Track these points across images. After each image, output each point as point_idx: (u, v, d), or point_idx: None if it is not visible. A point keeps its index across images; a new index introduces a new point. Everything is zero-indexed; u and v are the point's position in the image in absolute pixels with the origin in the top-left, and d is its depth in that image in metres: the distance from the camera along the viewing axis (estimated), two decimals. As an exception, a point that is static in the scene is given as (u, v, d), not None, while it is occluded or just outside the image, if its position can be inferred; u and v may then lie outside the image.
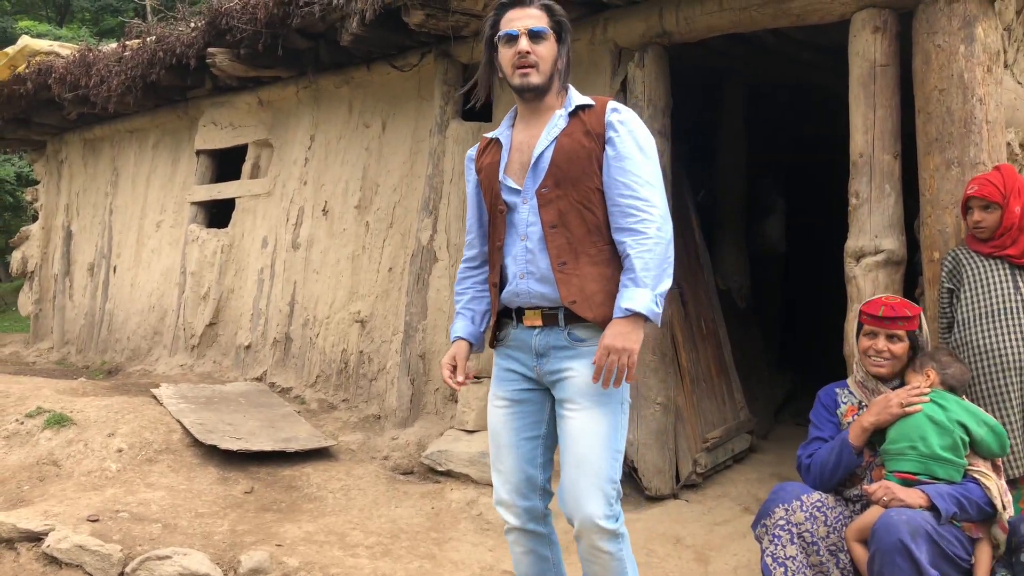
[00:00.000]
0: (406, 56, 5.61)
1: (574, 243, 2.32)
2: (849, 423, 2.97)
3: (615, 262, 2.33)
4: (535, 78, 2.33)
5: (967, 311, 3.24)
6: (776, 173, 7.34)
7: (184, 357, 6.89)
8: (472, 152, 2.60)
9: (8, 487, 4.17)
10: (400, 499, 4.28)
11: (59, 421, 4.71)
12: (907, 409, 2.75)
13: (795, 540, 2.79)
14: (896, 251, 3.62)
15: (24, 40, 7.77)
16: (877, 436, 2.83)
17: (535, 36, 2.33)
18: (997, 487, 2.71)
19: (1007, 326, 3.14)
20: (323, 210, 6.15)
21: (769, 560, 2.80)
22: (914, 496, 2.62)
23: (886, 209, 3.66)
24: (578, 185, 2.33)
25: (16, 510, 3.72)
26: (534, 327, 2.39)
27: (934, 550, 2.54)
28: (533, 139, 2.39)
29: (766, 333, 6.87)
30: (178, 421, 4.87)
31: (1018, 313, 3.13)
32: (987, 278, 3.21)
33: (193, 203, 7.27)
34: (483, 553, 3.66)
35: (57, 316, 8.81)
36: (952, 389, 2.84)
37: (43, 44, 7.91)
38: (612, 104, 2.39)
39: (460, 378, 2.50)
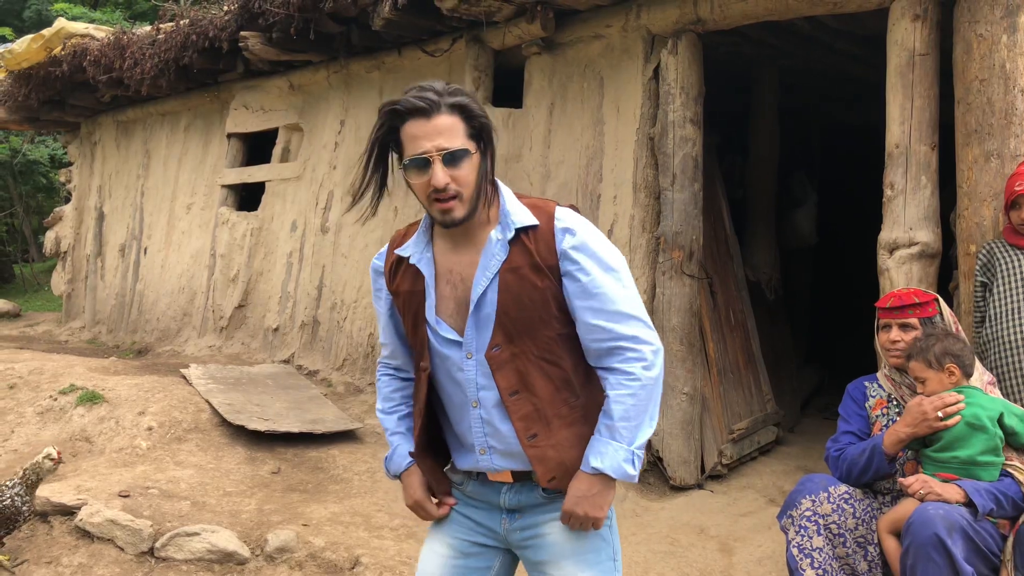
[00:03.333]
0: (437, 41, 5.60)
1: (542, 408, 1.84)
2: (878, 416, 2.94)
3: (592, 414, 1.86)
4: (459, 211, 1.78)
5: (999, 305, 3.19)
6: (808, 165, 7.26)
7: (213, 338, 6.97)
8: (378, 263, 2.00)
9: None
10: (425, 483, 4.30)
11: (91, 399, 4.79)
12: (946, 423, 2.66)
13: (822, 532, 2.77)
14: (931, 244, 3.57)
15: (60, 22, 7.86)
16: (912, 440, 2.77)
17: (452, 160, 1.75)
18: (1031, 481, 2.67)
19: None
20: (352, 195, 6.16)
21: (795, 551, 2.78)
22: (951, 491, 2.58)
23: (921, 201, 3.61)
24: (536, 336, 1.83)
25: (49, 484, 3.78)
26: (502, 483, 1.92)
27: (969, 546, 2.51)
28: (467, 269, 1.85)
29: (795, 326, 6.82)
30: (207, 401, 4.93)
31: None
32: (1021, 272, 3.16)
33: (223, 186, 7.33)
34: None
35: (89, 296, 8.94)
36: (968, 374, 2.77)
37: (79, 27, 7.99)
38: (560, 220, 1.82)
39: (444, 510, 1.97)
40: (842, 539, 2.77)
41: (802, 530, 2.79)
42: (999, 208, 3.34)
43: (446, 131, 1.75)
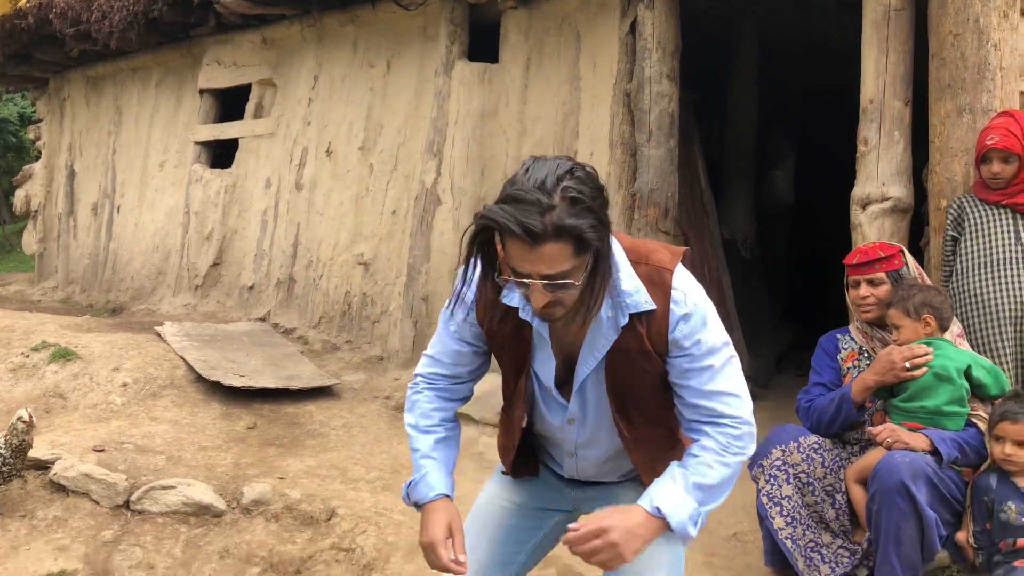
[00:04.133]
0: (412, -6, 5.52)
1: (643, 459, 1.83)
2: (849, 368, 2.98)
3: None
4: (559, 313, 1.62)
5: (967, 259, 3.23)
6: (786, 125, 7.27)
7: (188, 297, 6.92)
8: (468, 292, 1.79)
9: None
10: (402, 437, 4.33)
11: (64, 355, 4.75)
12: (913, 373, 2.71)
13: (791, 480, 2.83)
14: (903, 199, 3.60)
15: (25, -27, 7.65)
16: (880, 389, 2.81)
17: (555, 286, 1.54)
18: (993, 433, 2.73)
19: (1005, 275, 3.12)
20: (327, 151, 6.11)
21: (765, 499, 2.84)
22: (918, 440, 2.63)
23: (895, 156, 3.62)
24: (641, 408, 1.79)
25: (22, 439, 3.76)
26: None
27: (933, 492, 2.57)
28: (574, 337, 1.74)
29: (771, 284, 6.87)
30: (182, 358, 4.91)
31: (1017, 263, 3.11)
32: (989, 226, 3.19)
33: (196, 143, 7.23)
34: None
35: (61, 255, 8.82)
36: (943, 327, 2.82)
37: (44, -22, 7.77)
38: (675, 304, 1.68)
39: (462, 557, 1.78)
40: (811, 487, 2.83)
41: (772, 479, 2.85)
42: (970, 163, 3.36)
43: (552, 259, 1.51)
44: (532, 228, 1.46)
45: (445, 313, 1.87)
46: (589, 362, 1.73)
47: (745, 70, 6.29)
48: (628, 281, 1.66)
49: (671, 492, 1.66)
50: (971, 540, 2.67)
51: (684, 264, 1.74)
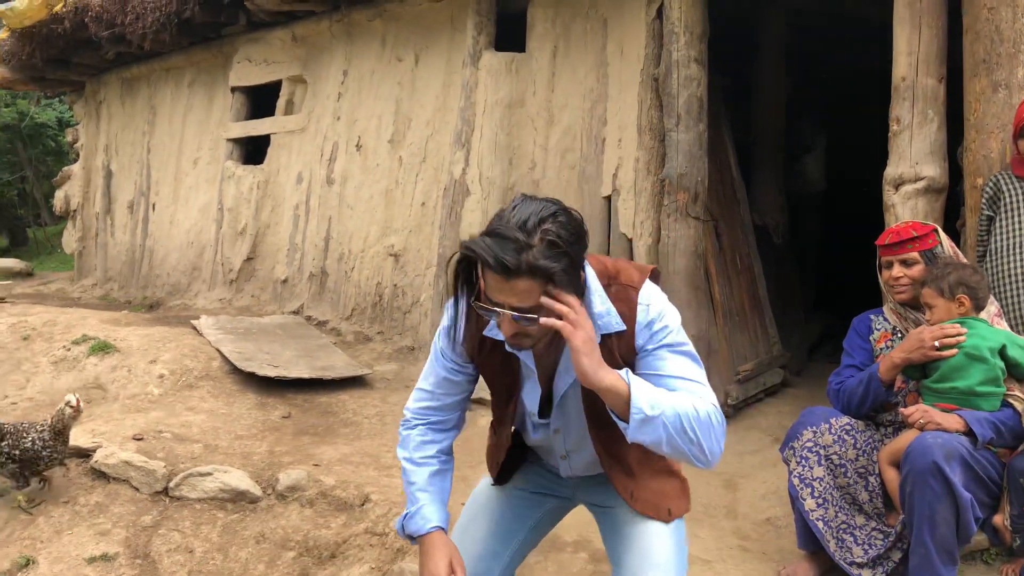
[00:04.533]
0: (439, -14, 5.54)
1: (632, 468, 1.91)
2: (882, 349, 2.94)
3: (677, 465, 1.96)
4: (527, 344, 1.74)
5: (1001, 239, 3.17)
6: (817, 110, 7.17)
7: (223, 291, 7.02)
8: (456, 336, 1.92)
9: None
10: (433, 425, 4.36)
11: (103, 348, 4.85)
12: (942, 353, 2.66)
13: (822, 462, 2.79)
14: (937, 179, 3.53)
15: (60, -22, 7.79)
16: (910, 368, 2.76)
17: (523, 319, 1.64)
18: (1032, 412, 2.68)
19: None
20: (356, 145, 6.16)
21: (796, 481, 2.81)
22: (951, 421, 2.58)
23: (928, 135, 3.57)
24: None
25: (64, 429, 3.85)
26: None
27: (968, 473, 2.52)
28: (551, 359, 1.86)
29: (803, 272, 6.80)
30: (217, 350, 4.99)
31: None
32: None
33: (229, 140, 7.32)
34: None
35: (99, 253, 9.00)
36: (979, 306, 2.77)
37: (79, -19, 7.91)
38: (640, 314, 1.77)
39: None
40: (843, 469, 2.79)
41: (803, 460, 2.82)
42: (1007, 140, 3.30)
43: (522, 293, 1.61)
44: (507, 263, 1.57)
45: (435, 345, 1.98)
46: (566, 379, 1.84)
47: (774, 53, 6.22)
48: (600, 304, 1.76)
49: (645, 385, 1.67)
50: (1007, 523, 2.62)
51: (652, 279, 1.84)
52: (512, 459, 2.07)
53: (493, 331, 1.83)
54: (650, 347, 1.77)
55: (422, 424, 2.01)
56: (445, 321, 1.93)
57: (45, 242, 15.47)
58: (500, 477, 2.09)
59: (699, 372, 1.78)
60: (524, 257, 1.57)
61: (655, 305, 1.79)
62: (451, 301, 1.87)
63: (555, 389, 1.88)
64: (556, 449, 1.98)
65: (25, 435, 3.32)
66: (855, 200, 7.51)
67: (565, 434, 1.93)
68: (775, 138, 6.30)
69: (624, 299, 1.78)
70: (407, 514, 1.94)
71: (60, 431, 3.37)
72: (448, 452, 2.03)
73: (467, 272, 1.74)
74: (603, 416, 1.75)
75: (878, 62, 4.79)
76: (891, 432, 2.88)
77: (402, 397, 4.75)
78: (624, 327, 1.76)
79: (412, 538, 1.92)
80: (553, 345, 1.82)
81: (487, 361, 1.91)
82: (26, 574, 3.02)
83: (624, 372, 1.67)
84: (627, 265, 1.86)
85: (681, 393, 1.70)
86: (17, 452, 3.30)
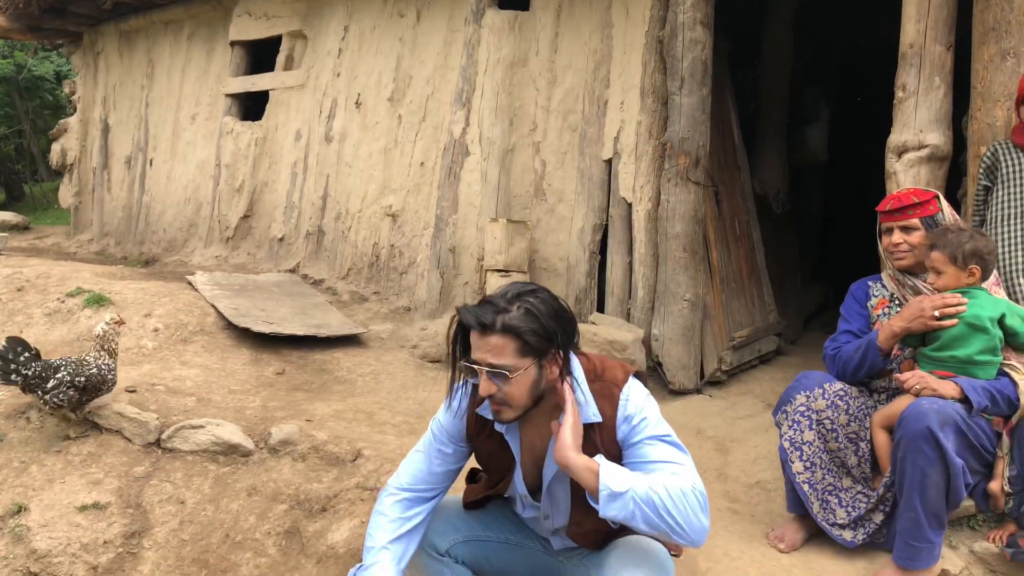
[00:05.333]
0: (442, -58, 5.44)
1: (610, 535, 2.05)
2: (880, 316, 2.93)
3: None
4: (508, 414, 1.91)
5: (998, 209, 3.15)
6: (823, 81, 7.10)
7: (219, 249, 6.99)
8: (456, 416, 2.09)
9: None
10: (427, 384, 4.37)
11: (98, 301, 4.83)
12: (942, 323, 2.64)
13: (814, 426, 2.79)
14: (941, 147, 3.50)
15: (58, -75, 7.66)
16: (909, 336, 2.75)
17: (496, 376, 1.85)
18: (1026, 382, 2.67)
19: None
20: (356, 103, 6.09)
21: (787, 444, 2.82)
22: (947, 387, 2.57)
23: (933, 102, 3.52)
24: None
25: (57, 379, 3.84)
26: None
27: (961, 440, 2.52)
28: (541, 447, 2.02)
29: (803, 242, 6.78)
30: (212, 306, 4.97)
31: None
32: (1022, 175, 3.10)
33: (227, 95, 7.24)
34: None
35: (96, 208, 8.95)
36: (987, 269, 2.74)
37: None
38: (621, 409, 1.94)
39: None
40: (834, 434, 2.79)
41: (795, 424, 2.82)
42: (1012, 109, 3.26)
43: (495, 349, 1.84)
44: (483, 320, 1.84)
45: (434, 422, 2.14)
46: (552, 468, 1.99)
47: (782, 21, 6.13)
48: (581, 396, 1.94)
49: (617, 469, 1.81)
50: (1006, 485, 2.63)
51: (637, 378, 2.01)
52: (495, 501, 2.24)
53: (485, 409, 2.01)
54: (633, 439, 1.92)
55: (400, 501, 2.11)
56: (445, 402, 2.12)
57: (42, 198, 15.37)
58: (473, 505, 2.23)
59: (682, 456, 1.88)
60: (499, 318, 1.84)
61: (634, 400, 1.95)
62: (450, 384, 2.04)
63: (544, 474, 2.03)
64: (546, 527, 2.12)
65: (86, 364, 3.36)
66: (857, 173, 7.47)
67: (553, 519, 2.08)
68: (779, 107, 6.24)
69: (607, 395, 1.95)
70: (361, 566, 2.04)
71: (113, 351, 3.43)
72: (422, 522, 2.12)
73: (462, 336, 1.93)
74: (585, 502, 1.88)
75: (886, 34, 4.73)
76: (884, 398, 2.88)
77: (396, 357, 4.75)
78: (600, 419, 1.93)
79: None
80: (542, 431, 1.99)
81: (484, 444, 2.08)
82: (18, 520, 3.03)
83: (598, 457, 1.83)
84: (613, 364, 2.03)
85: (658, 473, 1.82)
86: (83, 379, 3.34)
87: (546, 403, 1.96)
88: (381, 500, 2.13)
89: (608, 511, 1.75)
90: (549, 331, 1.86)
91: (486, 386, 1.87)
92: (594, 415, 1.93)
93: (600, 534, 2.03)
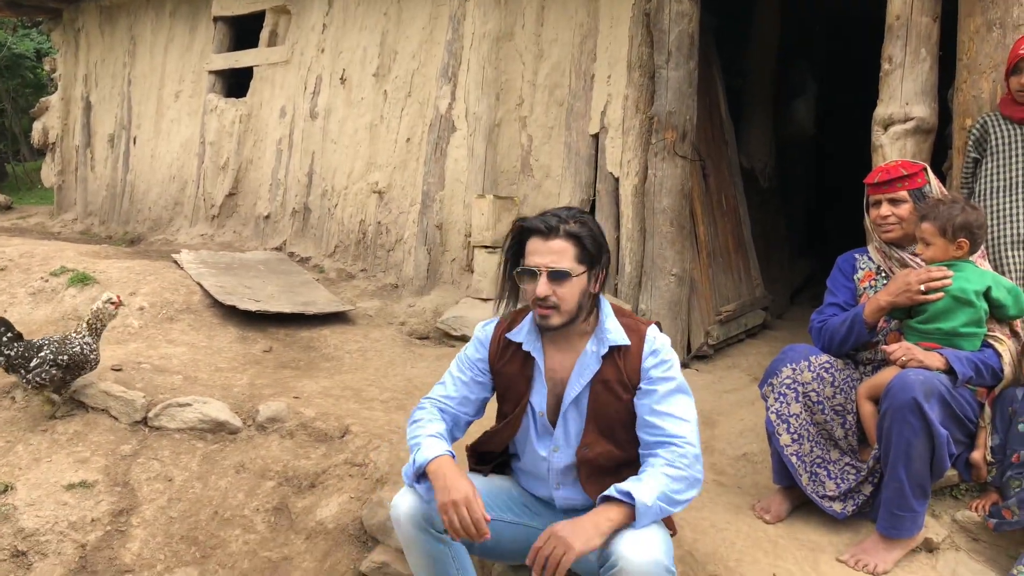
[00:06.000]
0: (426, -86, 5.37)
1: (609, 482, 2.07)
2: (866, 288, 2.94)
3: None
4: (555, 320, 2.09)
5: (986, 182, 3.15)
6: (810, 55, 7.07)
7: (205, 227, 6.94)
8: (484, 336, 2.29)
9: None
10: (415, 360, 4.36)
11: (82, 280, 4.80)
12: (928, 297, 2.64)
13: (800, 399, 2.80)
14: (927, 119, 3.50)
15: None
16: (896, 308, 2.76)
17: (556, 277, 2.05)
18: (1010, 353, 2.69)
19: (1022, 198, 3.06)
20: (341, 79, 6.03)
21: (773, 417, 2.82)
22: (933, 359, 2.58)
23: (920, 75, 3.51)
24: (616, 438, 2.16)
25: (42, 358, 3.82)
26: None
27: (946, 411, 2.54)
28: (565, 372, 2.18)
29: (790, 216, 6.79)
30: (198, 284, 4.94)
31: None
32: (1011, 148, 3.11)
33: (211, 72, 7.16)
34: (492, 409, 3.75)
35: (80, 187, 8.86)
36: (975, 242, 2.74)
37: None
38: (649, 343, 2.13)
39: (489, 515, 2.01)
40: (820, 406, 2.80)
41: (781, 397, 2.83)
42: (998, 80, 3.26)
43: (558, 252, 2.06)
44: (550, 224, 2.07)
45: (459, 355, 2.32)
46: (575, 387, 2.14)
47: (769, -6, 6.10)
48: (610, 322, 2.15)
49: (632, 483, 1.96)
50: (988, 455, 2.65)
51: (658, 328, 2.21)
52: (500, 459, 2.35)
53: (517, 334, 2.21)
54: (654, 374, 2.10)
55: (439, 408, 2.25)
56: (475, 335, 2.32)
57: (25, 177, 15.19)
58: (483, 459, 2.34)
59: (690, 409, 2.10)
60: (562, 225, 2.07)
61: (660, 339, 2.16)
62: (495, 305, 2.23)
63: (565, 397, 2.17)
64: (551, 476, 2.22)
65: (69, 342, 3.37)
66: (844, 147, 7.47)
67: (562, 453, 2.18)
68: (766, 82, 6.22)
69: (635, 329, 2.16)
70: (413, 457, 2.10)
71: (99, 330, 3.44)
72: (451, 435, 2.24)
73: (516, 245, 2.13)
74: (602, 429, 2.13)
75: (874, 8, 4.70)
76: (870, 370, 2.89)
77: (384, 334, 4.74)
78: (629, 342, 2.12)
79: (420, 475, 2.07)
80: (564, 357, 2.18)
81: (506, 368, 2.23)
82: (4, 500, 3.02)
83: (615, 491, 1.94)
84: (638, 317, 2.25)
85: (657, 470, 1.99)
86: (65, 358, 3.34)
87: (576, 326, 2.14)
88: (414, 412, 2.25)
89: (643, 521, 1.92)
90: (601, 245, 2.11)
91: (544, 288, 2.04)
92: (623, 338, 2.12)
93: (606, 460, 2.15)
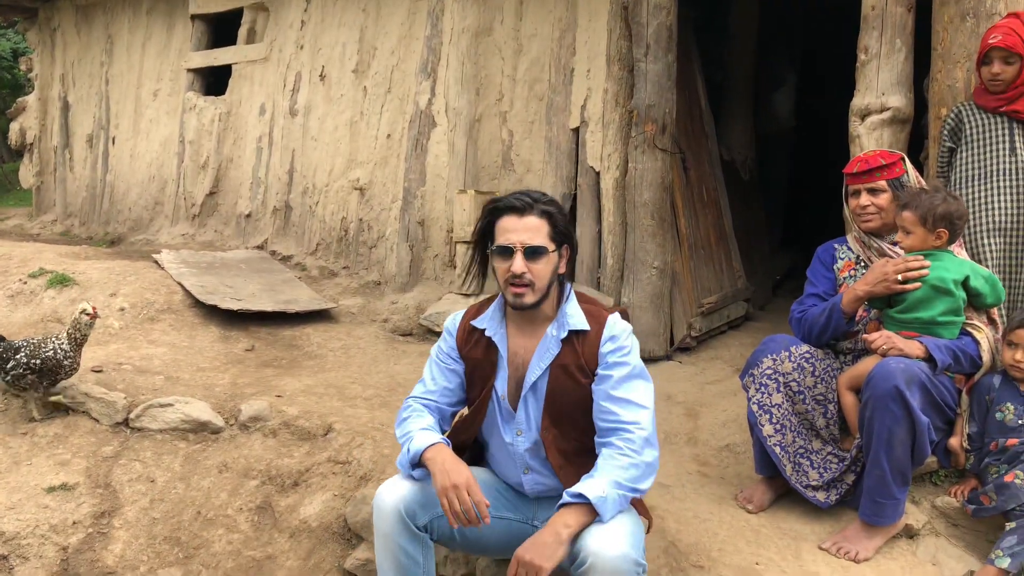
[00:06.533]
0: (403, -91, 5.35)
1: (579, 470, 2.13)
2: (846, 278, 2.96)
3: None
4: (529, 298, 2.13)
5: (962, 170, 3.18)
6: (789, 47, 7.10)
7: (185, 227, 6.89)
8: (452, 325, 2.34)
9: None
10: (398, 357, 4.36)
11: (62, 281, 4.75)
12: (906, 287, 2.66)
13: (781, 389, 2.82)
14: (903, 109, 3.52)
15: None
16: (874, 299, 2.78)
17: (532, 254, 2.11)
18: (988, 341, 2.72)
19: (997, 187, 3.09)
20: (320, 75, 6.00)
21: (755, 408, 2.84)
22: (913, 347, 2.60)
23: (895, 65, 3.54)
24: (575, 422, 2.19)
25: (21, 361, 3.79)
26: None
27: (926, 398, 2.56)
28: (526, 355, 2.22)
29: (771, 208, 6.81)
30: (179, 284, 4.91)
31: (1010, 174, 3.07)
32: (985, 137, 3.14)
33: (189, 70, 7.11)
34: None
35: (59, 188, 8.77)
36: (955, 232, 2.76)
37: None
38: (609, 329, 2.17)
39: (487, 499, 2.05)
40: (801, 396, 2.82)
41: (762, 388, 2.84)
42: (972, 69, 3.29)
43: (533, 229, 2.12)
44: (524, 201, 2.14)
45: (433, 350, 2.36)
46: (535, 371, 2.18)
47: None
48: (571, 307, 2.21)
49: (584, 482, 1.99)
50: (965, 443, 2.68)
51: (623, 317, 2.25)
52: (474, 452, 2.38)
53: (481, 321, 2.26)
54: (610, 359, 2.14)
55: (424, 405, 2.28)
56: (444, 326, 2.38)
57: (3, 179, 15.04)
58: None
59: (647, 395, 2.13)
60: (536, 204, 2.14)
61: (620, 325, 2.20)
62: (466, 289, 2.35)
63: (525, 380, 2.20)
64: (518, 459, 2.24)
65: (44, 346, 3.35)
66: (824, 139, 7.50)
67: (525, 436, 2.21)
68: (746, 74, 6.24)
69: (595, 316, 2.20)
70: (408, 447, 2.13)
71: (79, 340, 3.41)
72: (439, 429, 2.27)
73: (487, 225, 2.18)
74: (559, 414, 2.16)
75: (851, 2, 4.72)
76: (850, 360, 2.91)
77: (367, 331, 4.73)
78: (587, 327, 2.16)
79: (415, 462, 2.10)
80: (526, 342, 2.22)
81: (472, 352, 2.26)
82: (-16, 504, 2.99)
83: (568, 496, 1.97)
84: (602, 304, 2.30)
85: (608, 461, 2.03)
86: (38, 362, 3.31)
87: (541, 309, 2.19)
88: (400, 413, 2.29)
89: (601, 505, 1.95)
90: (568, 226, 2.20)
91: (519, 264, 2.09)
92: (582, 323, 2.17)
93: (567, 443, 2.20)
